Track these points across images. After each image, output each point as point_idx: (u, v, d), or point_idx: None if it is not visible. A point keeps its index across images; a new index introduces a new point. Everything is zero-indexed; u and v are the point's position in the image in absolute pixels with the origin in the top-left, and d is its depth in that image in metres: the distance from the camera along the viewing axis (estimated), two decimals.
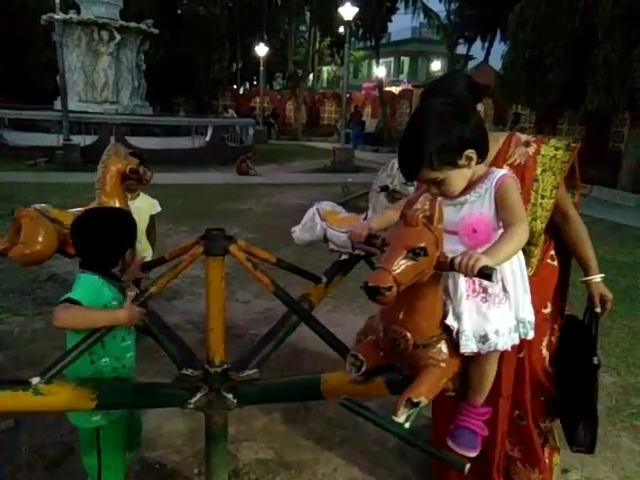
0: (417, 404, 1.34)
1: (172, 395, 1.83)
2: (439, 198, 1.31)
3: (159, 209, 3.46)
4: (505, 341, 1.42)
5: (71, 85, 14.02)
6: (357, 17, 16.73)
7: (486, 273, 1.20)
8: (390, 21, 25.66)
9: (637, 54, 9.60)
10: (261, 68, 23.67)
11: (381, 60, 28.42)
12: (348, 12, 14.64)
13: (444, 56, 30.95)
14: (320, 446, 2.50)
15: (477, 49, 23.45)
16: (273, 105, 28.92)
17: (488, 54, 22.06)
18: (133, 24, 14.95)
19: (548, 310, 1.86)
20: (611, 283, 5.53)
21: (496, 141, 1.74)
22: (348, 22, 15.17)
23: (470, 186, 1.47)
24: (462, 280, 1.41)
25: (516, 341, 1.45)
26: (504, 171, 1.48)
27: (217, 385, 1.78)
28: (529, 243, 1.72)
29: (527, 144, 1.74)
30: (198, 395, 1.75)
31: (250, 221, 7.44)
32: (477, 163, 1.45)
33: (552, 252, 1.86)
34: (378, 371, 1.47)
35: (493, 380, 1.54)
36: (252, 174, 12.47)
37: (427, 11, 25.70)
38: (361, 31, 25.35)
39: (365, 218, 2.40)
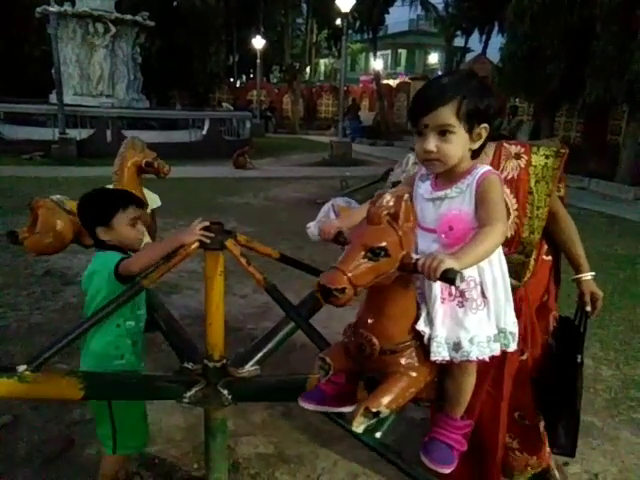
0: (377, 414, 1.26)
1: (167, 388, 1.82)
2: (406, 195, 1.23)
3: (159, 203, 3.44)
4: (481, 351, 1.32)
5: (66, 78, 13.91)
6: (354, 9, 16.61)
7: (449, 277, 1.12)
8: (387, 13, 25.54)
9: (635, 46, 9.58)
10: (258, 61, 23.55)
11: (378, 53, 28.32)
12: (345, 4, 14.53)
13: (442, 48, 30.85)
14: (319, 440, 2.50)
15: (475, 41, 23.38)
16: (270, 98, 28.80)
17: (486, 46, 21.98)
18: (129, 16, 14.82)
19: (547, 301, 1.87)
20: (609, 276, 5.56)
21: (486, 154, 1.65)
22: (345, 14, 15.06)
23: (452, 180, 1.39)
24: (437, 282, 1.28)
25: (496, 352, 1.35)
26: (488, 167, 1.39)
27: (215, 380, 1.77)
28: (526, 254, 1.71)
29: (517, 156, 1.70)
30: (194, 389, 1.74)
31: (248, 215, 7.42)
32: (473, 157, 1.39)
33: (546, 247, 1.84)
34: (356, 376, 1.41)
35: (472, 392, 1.44)
36: (249, 168, 12.43)
37: (424, 3, 25.61)
38: (358, 23, 25.21)
39: None
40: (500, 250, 1.37)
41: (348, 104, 23.24)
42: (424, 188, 1.46)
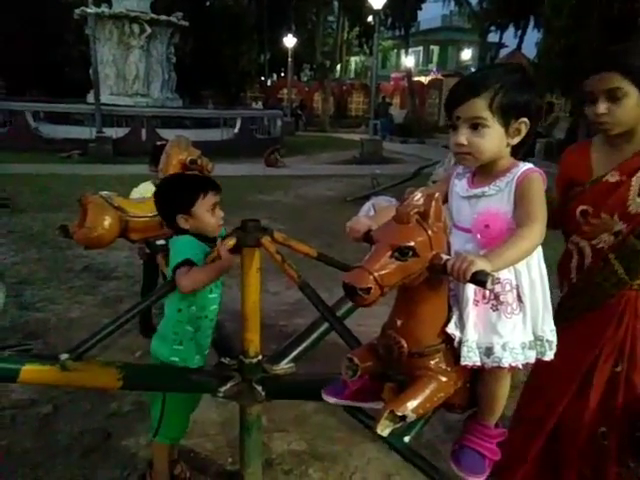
0: (403, 418, 1.22)
1: (203, 382, 1.85)
2: (437, 194, 1.19)
3: None
4: (515, 357, 1.26)
5: (103, 78, 14.25)
6: (386, 6, 16.49)
7: (480, 279, 1.07)
8: (420, 9, 25.30)
9: None
10: (289, 59, 23.64)
11: (410, 49, 28.09)
12: (377, 1, 14.44)
13: (475, 44, 30.32)
14: (353, 438, 2.49)
15: (509, 37, 22.90)
16: (301, 96, 28.88)
17: (521, 42, 21.52)
18: (163, 17, 15.09)
19: None
20: None
21: None
22: (377, 11, 14.96)
23: (491, 178, 1.33)
24: (470, 284, 1.23)
25: (531, 359, 1.28)
26: (530, 165, 1.31)
27: (250, 376, 1.78)
28: None
29: None
30: (229, 384, 1.76)
31: (279, 212, 7.45)
32: (512, 155, 1.33)
33: None
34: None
35: (505, 398, 1.37)
36: (280, 166, 12.50)
37: None
38: (390, 20, 25.03)
39: None
40: (540, 253, 1.30)
41: (379, 102, 23.13)
42: (460, 186, 1.41)
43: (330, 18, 32.10)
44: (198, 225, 1.84)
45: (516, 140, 1.32)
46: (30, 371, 1.58)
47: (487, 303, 1.28)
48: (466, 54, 37.95)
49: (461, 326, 1.27)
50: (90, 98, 13.84)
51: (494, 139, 1.30)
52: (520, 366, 1.27)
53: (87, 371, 1.64)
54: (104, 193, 2.96)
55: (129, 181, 4.38)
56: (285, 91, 26.43)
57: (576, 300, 1.78)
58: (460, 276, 1.09)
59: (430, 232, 1.16)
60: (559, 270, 1.83)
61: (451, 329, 1.27)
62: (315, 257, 1.87)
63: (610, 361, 1.67)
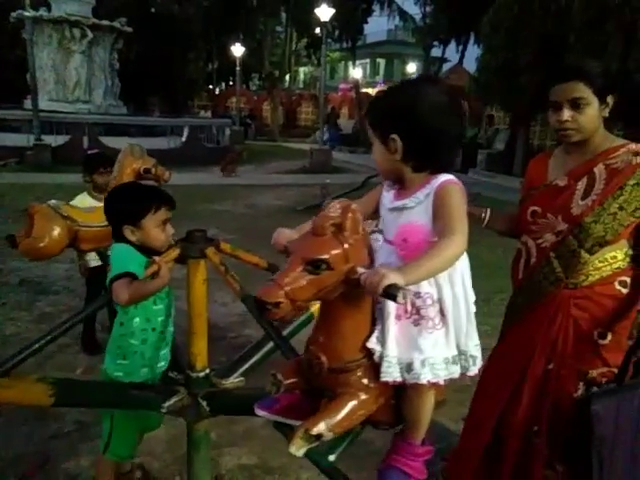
0: (319, 437, 1.19)
1: (145, 397, 1.78)
2: (353, 205, 1.17)
3: None
4: (435, 373, 1.24)
5: (41, 84, 13.70)
6: (333, 18, 16.75)
7: (391, 293, 1.04)
8: (366, 23, 25.83)
9: (607, 58, 9.84)
10: (237, 68, 23.49)
11: (357, 62, 28.59)
12: (324, 13, 14.65)
13: (419, 58, 31.23)
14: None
15: (452, 51, 23.75)
16: (250, 106, 28.76)
17: (462, 57, 22.37)
18: (106, 22, 14.71)
19: (604, 341, 1.67)
20: None
21: (610, 142, 1.69)
22: (324, 23, 15.17)
23: (412, 191, 1.33)
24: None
25: (455, 375, 1.27)
26: (449, 177, 1.31)
27: (196, 391, 1.74)
28: (579, 242, 1.64)
29: (637, 154, 1.64)
30: (173, 400, 1.70)
31: (228, 222, 7.37)
32: (415, 170, 1.31)
33: (625, 278, 1.69)
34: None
35: (430, 415, 1.36)
36: (233, 175, 12.38)
37: (402, 13, 25.93)
38: (337, 32, 25.42)
39: (377, 224, 2.33)
40: (463, 267, 1.30)
41: (328, 112, 23.36)
42: (387, 198, 1.40)
43: (278, 28, 32.24)
44: (145, 239, 1.79)
45: (396, 157, 1.31)
46: None
47: (409, 318, 1.26)
48: (411, 67, 39.00)
49: (382, 341, 1.25)
50: (27, 104, 13.26)
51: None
52: (441, 382, 1.25)
53: (15, 387, 1.57)
54: (52, 202, 2.86)
55: (70, 190, 4.21)
56: (234, 100, 26.25)
57: (519, 299, 1.86)
58: (372, 290, 1.07)
59: (346, 245, 1.13)
60: (511, 271, 1.91)
61: (372, 344, 1.25)
62: (265, 268, 1.86)
63: (543, 359, 1.74)
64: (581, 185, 1.68)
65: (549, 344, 1.73)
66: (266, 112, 28.83)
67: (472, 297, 1.34)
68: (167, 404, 1.69)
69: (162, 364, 1.92)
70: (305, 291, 1.11)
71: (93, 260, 3.18)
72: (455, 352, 1.29)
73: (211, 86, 30.70)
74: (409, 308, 1.26)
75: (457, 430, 2.58)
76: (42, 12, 13.93)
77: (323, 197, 9.04)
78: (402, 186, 1.37)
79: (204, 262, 1.69)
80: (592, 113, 1.61)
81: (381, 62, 43.30)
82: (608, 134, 1.71)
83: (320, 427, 1.19)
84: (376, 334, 1.26)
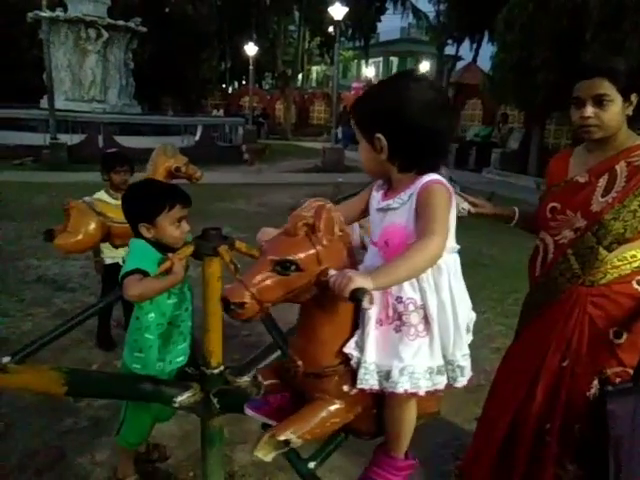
0: (287, 443, 1.16)
1: (158, 391, 1.79)
2: (328, 205, 1.13)
3: None
4: (415, 383, 1.17)
5: (58, 83, 13.85)
6: (347, 17, 16.73)
7: (357, 297, 1.01)
8: (379, 21, 25.80)
9: (623, 56, 9.70)
10: (250, 67, 23.56)
11: (370, 60, 28.51)
12: (338, 12, 14.63)
13: (433, 56, 31.06)
14: (316, 448, 2.48)
15: (466, 50, 23.58)
16: (262, 105, 28.82)
17: (476, 55, 22.18)
18: (121, 22, 14.82)
19: (619, 340, 1.65)
20: None
21: (633, 140, 1.68)
22: (338, 22, 15.15)
23: (398, 191, 1.27)
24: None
25: (440, 386, 1.22)
26: (434, 176, 1.25)
27: (209, 388, 1.75)
28: (598, 239, 1.63)
29: None
30: (185, 395, 1.72)
31: (242, 221, 7.40)
32: (402, 170, 1.26)
33: None
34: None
35: (413, 427, 1.31)
36: (254, 167, 12.84)
37: (416, 11, 25.84)
38: (350, 31, 25.39)
39: None
40: (452, 272, 1.24)
41: (340, 111, 23.32)
42: (376, 198, 1.35)
43: (291, 27, 32.27)
44: (160, 236, 1.81)
45: (382, 156, 1.27)
46: None
47: (391, 323, 1.21)
48: (424, 66, 38.84)
49: (361, 347, 1.20)
50: (44, 103, 13.41)
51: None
52: (422, 393, 1.20)
53: (30, 375, 1.61)
54: (87, 199, 2.93)
55: (85, 189, 4.25)
56: (247, 99, 26.31)
57: (535, 297, 1.85)
58: (339, 293, 1.04)
59: (319, 246, 1.09)
60: (528, 268, 1.90)
61: (349, 349, 1.21)
62: None
63: (558, 356, 1.72)
64: (602, 182, 1.66)
65: (564, 341, 1.71)
66: (279, 111, 28.86)
67: (464, 304, 1.27)
68: (179, 399, 1.71)
69: (181, 359, 1.94)
70: (272, 292, 1.07)
71: (108, 258, 3.21)
72: (441, 362, 1.23)
73: (224, 85, 30.84)
74: (390, 313, 1.20)
75: (470, 430, 2.56)
76: (58, 12, 14.08)
77: (335, 196, 9.05)
78: (390, 186, 1.32)
79: (219, 260, 1.70)
80: (615, 111, 1.59)
81: (394, 60, 43.08)
82: (631, 132, 1.69)
83: (287, 433, 1.16)
84: (355, 339, 1.21)
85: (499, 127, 16.05)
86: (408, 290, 1.20)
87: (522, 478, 1.80)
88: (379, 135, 1.24)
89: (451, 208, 1.23)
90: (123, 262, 2.56)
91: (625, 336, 1.65)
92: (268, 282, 1.07)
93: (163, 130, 14.32)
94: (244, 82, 33.65)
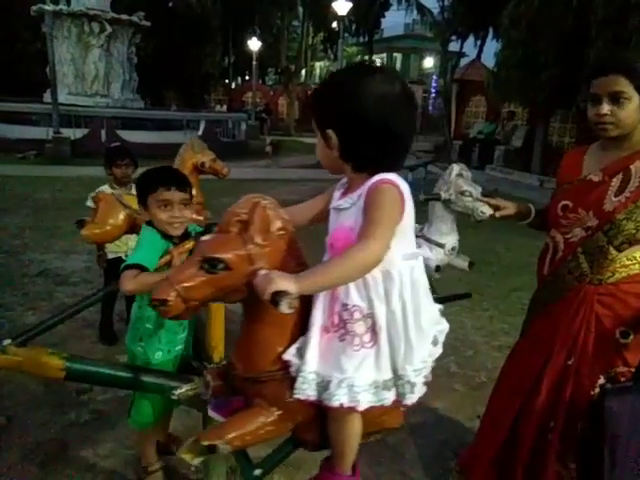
0: (213, 449, 1.12)
1: (157, 382, 1.78)
2: (263, 202, 1.08)
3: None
4: (353, 397, 1.10)
5: (61, 77, 13.83)
6: (350, 12, 16.66)
7: (276, 301, 0.97)
8: (383, 17, 25.69)
9: (629, 52, 9.65)
10: (254, 62, 23.55)
11: (374, 56, 28.40)
12: (342, 7, 14.59)
13: (437, 53, 30.96)
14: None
15: (470, 46, 23.47)
16: (265, 100, 28.78)
17: (480, 51, 22.07)
18: (124, 16, 14.78)
19: (626, 340, 1.61)
20: None
21: None
22: (341, 17, 15.12)
23: (351, 191, 1.21)
24: (318, 307, 1.14)
25: (387, 402, 1.14)
26: (388, 176, 1.15)
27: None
28: (609, 240, 1.61)
29: None
30: (184, 388, 1.71)
31: None
32: (355, 169, 1.19)
33: None
34: None
35: (357, 443, 1.24)
36: (270, 162, 13.57)
37: (420, 7, 25.67)
38: (354, 27, 25.30)
39: (421, 230, 2.30)
40: (407, 280, 1.16)
41: None
42: (335, 197, 1.28)
43: (295, 23, 32.18)
44: (152, 220, 1.85)
45: (331, 153, 1.20)
46: None
47: (336, 331, 1.15)
48: (428, 62, 38.77)
49: (302, 354, 1.15)
50: (47, 97, 13.40)
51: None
52: (361, 408, 1.12)
53: (30, 358, 1.62)
54: (115, 191, 3.01)
55: (88, 183, 4.26)
56: (250, 94, 26.28)
57: (542, 294, 1.84)
58: (261, 295, 1.00)
59: (250, 245, 1.05)
60: (537, 266, 1.89)
61: (289, 356, 1.15)
62: None
63: (563, 354, 1.72)
64: (616, 181, 1.65)
65: (570, 339, 1.71)
66: (282, 107, 28.82)
67: (426, 315, 1.19)
68: (179, 392, 1.70)
69: (179, 347, 1.98)
70: (199, 290, 1.04)
71: (111, 252, 3.21)
72: (389, 376, 1.15)
73: (227, 80, 30.78)
74: (336, 321, 1.14)
75: (472, 428, 2.57)
76: (62, 6, 14.06)
77: None
78: (349, 185, 1.25)
79: None
80: (632, 108, 1.58)
81: (398, 57, 42.96)
82: None
83: (213, 439, 1.12)
84: (297, 345, 1.16)
85: (503, 124, 16.00)
86: (355, 297, 1.13)
87: (523, 475, 1.80)
88: (329, 131, 1.16)
89: (402, 210, 1.14)
90: (126, 257, 2.57)
91: (632, 336, 1.64)
92: (195, 280, 1.03)
93: (166, 125, 14.30)
94: (247, 77, 33.57)
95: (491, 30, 20.91)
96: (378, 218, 1.09)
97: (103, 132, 12.55)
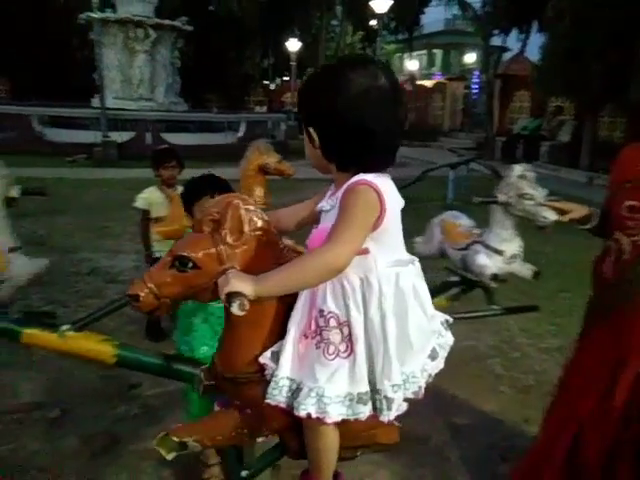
0: (184, 445, 1.12)
1: (188, 372, 1.82)
2: (236, 201, 1.06)
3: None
4: (322, 409, 1.06)
5: (108, 82, 14.28)
6: (390, 10, 16.52)
7: (230, 302, 0.98)
8: (423, 13, 25.34)
9: None
10: (292, 63, 23.70)
11: (413, 53, 28.07)
12: (381, 5, 14.49)
13: (478, 48, 30.29)
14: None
15: (513, 40, 22.89)
16: None
17: (524, 45, 21.47)
18: (168, 22, 15.14)
19: None
20: None
21: None
22: (380, 15, 15.02)
23: (334, 192, 1.18)
24: (297, 311, 1.11)
25: (361, 416, 1.09)
26: (366, 176, 1.10)
27: None
28: None
29: None
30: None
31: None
32: (339, 169, 1.15)
33: None
34: None
35: (334, 457, 1.20)
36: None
37: (461, 2, 25.19)
38: (393, 24, 25.07)
39: (481, 235, 2.23)
40: (390, 288, 1.10)
41: None
42: (325, 198, 1.24)
43: (334, 22, 32.16)
44: None
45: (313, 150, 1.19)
46: (30, 334, 1.70)
47: (313, 338, 1.11)
48: (469, 57, 37.92)
49: (278, 358, 1.12)
50: (95, 102, 13.88)
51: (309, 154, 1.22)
52: (330, 420, 1.07)
53: (84, 343, 1.71)
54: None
55: (134, 185, 4.38)
56: (289, 95, 26.46)
57: (605, 298, 1.74)
58: (220, 295, 1.00)
59: (222, 245, 1.05)
60: (594, 270, 1.79)
61: (264, 359, 1.13)
62: None
63: (636, 362, 1.62)
64: None
65: None
66: None
67: (409, 326, 1.11)
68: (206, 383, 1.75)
69: None
70: (170, 288, 1.06)
71: (157, 252, 3.30)
72: (365, 389, 1.09)
73: (267, 82, 31.09)
74: (313, 327, 1.10)
75: (519, 431, 2.51)
76: (108, 13, 14.53)
77: None
78: (335, 186, 1.21)
79: None
80: None
81: (438, 53, 42.31)
82: None
83: (183, 436, 1.13)
84: (273, 349, 1.13)
85: (549, 119, 15.51)
86: (331, 304, 1.08)
87: None
88: (311, 130, 1.14)
89: (380, 213, 1.08)
90: None
91: None
92: (165, 277, 1.06)
93: (207, 127, 14.59)
94: (286, 78, 33.82)
95: (535, 23, 20.33)
96: (348, 221, 1.05)
97: (148, 135, 12.90)
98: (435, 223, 2.45)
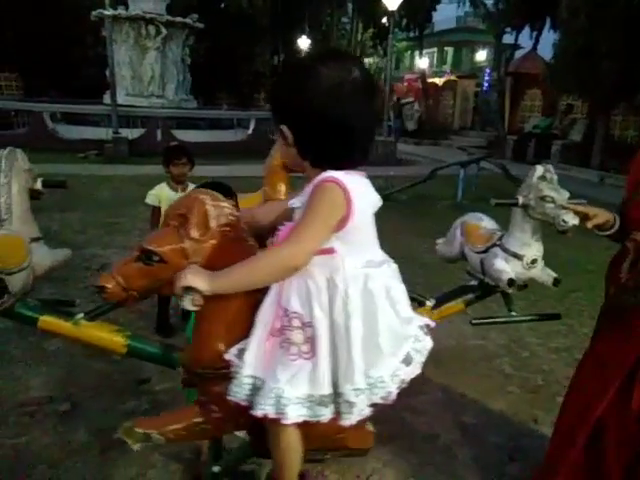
0: (148, 437, 1.13)
1: None
2: (202, 197, 1.06)
3: None
4: (281, 409, 1.04)
5: (119, 79, 14.35)
6: (401, 7, 16.42)
7: (183, 296, 1.00)
8: (434, 10, 25.18)
9: None
10: None
11: (424, 51, 27.93)
12: (392, 2, 14.40)
13: (490, 45, 30.10)
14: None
15: (525, 38, 22.66)
16: None
17: (536, 43, 21.29)
18: (179, 19, 15.17)
19: None
20: None
21: None
22: (392, 12, 14.93)
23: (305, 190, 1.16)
24: (264, 309, 1.10)
25: (323, 418, 1.07)
26: (333, 174, 1.08)
27: None
28: None
29: None
30: None
31: None
32: (313, 165, 1.13)
33: None
34: None
35: (296, 463, 1.18)
36: None
37: None
38: (405, 22, 24.96)
39: (500, 238, 2.14)
40: (350, 291, 1.07)
41: (392, 103, 23.02)
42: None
43: (344, 19, 32.08)
44: None
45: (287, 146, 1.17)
46: (47, 321, 1.78)
47: (279, 337, 1.09)
48: (481, 55, 37.68)
49: (241, 353, 1.12)
50: (107, 99, 13.96)
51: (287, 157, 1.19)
52: (288, 422, 1.05)
53: (97, 332, 1.75)
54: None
55: (144, 181, 4.42)
56: None
57: (622, 299, 1.69)
58: (175, 291, 1.01)
59: (187, 240, 1.06)
60: (609, 272, 1.75)
61: (229, 355, 1.12)
62: None
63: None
64: None
65: None
66: None
67: (379, 329, 1.09)
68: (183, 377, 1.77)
69: None
70: (136, 280, 1.09)
71: None
72: (327, 391, 1.08)
73: None
74: (278, 326, 1.09)
75: (527, 431, 2.50)
76: (120, 10, 14.59)
77: (387, 189, 8.94)
78: (307, 183, 1.19)
79: None
80: None
81: (449, 50, 42.04)
82: None
83: (148, 428, 1.15)
84: (239, 346, 1.12)
85: (561, 118, 15.38)
86: (294, 304, 1.07)
87: None
88: (283, 127, 1.12)
89: (347, 212, 1.06)
90: None
91: None
92: (131, 270, 1.09)
93: (217, 124, 14.64)
94: None
95: (548, 20, 20.13)
96: (309, 219, 1.04)
97: (158, 132, 12.96)
98: (457, 224, 2.38)
